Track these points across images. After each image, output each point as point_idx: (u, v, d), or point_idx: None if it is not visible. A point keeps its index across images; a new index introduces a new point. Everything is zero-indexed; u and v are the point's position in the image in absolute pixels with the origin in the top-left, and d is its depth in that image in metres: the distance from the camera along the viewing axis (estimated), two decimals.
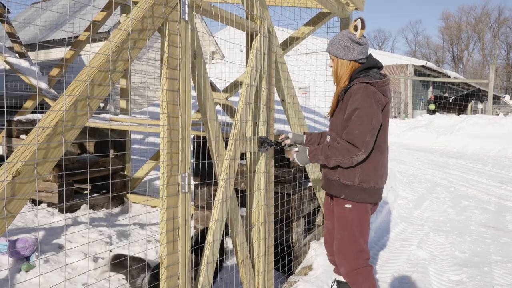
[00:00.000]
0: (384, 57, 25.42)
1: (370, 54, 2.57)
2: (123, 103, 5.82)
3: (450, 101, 23.19)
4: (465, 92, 25.50)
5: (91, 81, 1.68)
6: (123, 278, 3.06)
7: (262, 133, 2.92)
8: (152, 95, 11.47)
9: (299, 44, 4.78)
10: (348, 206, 2.50)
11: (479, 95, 25.44)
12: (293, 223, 3.65)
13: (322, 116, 10.36)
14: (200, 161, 3.82)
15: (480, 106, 24.38)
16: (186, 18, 2.17)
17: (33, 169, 1.48)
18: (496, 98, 28.83)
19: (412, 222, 5.40)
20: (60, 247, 3.42)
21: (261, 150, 2.87)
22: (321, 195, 4.10)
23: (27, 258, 3.09)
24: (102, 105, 10.30)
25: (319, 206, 4.22)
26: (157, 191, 5.44)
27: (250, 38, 2.92)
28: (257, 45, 2.84)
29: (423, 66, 25.15)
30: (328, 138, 2.62)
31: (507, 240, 4.73)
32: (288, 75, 3.31)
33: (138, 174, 5.65)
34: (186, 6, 2.16)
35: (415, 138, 14.42)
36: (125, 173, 5.62)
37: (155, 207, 5.30)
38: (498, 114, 19.37)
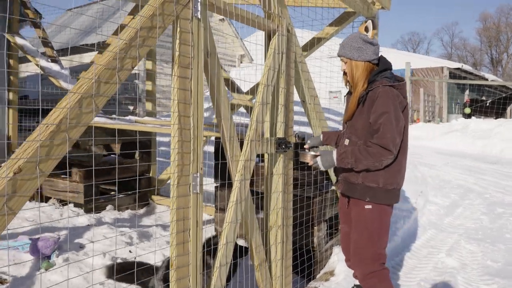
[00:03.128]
0: (418, 60, 24.89)
1: (381, 55, 2.54)
2: (149, 106, 5.87)
3: (487, 104, 22.37)
4: (503, 95, 24.57)
5: (97, 78, 1.67)
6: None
7: (279, 134, 2.86)
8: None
9: (328, 47, 4.70)
10: (368, 207, 2.43)
11: None
12: (314, 227, 3.56)
13: None
14: (220, 162, 3.78)
15: None
16: (199, 16, 2.14)
17: (35, 166, 1.47)
18: None
19: (442, 229, 5.19)
20: (81, 247, 3.45)
21: (279, 152, 2.81)
22: None
23: (48, 257, 3.13)
24: (131, 107, 10.47)
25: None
26: None
27: (268, 37, 2.87)
28: (275, 44, 2.78)
29: (458, 68, 24.43)
30: (347, 141, 2.53)
31: None
32: (308, 75, 3.23)
33: (163, 176, 5.68)
34: (199, 3, 2.13)
35: (449, 142, 13.96)
36: (150, 174, 5.66)
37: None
38: None
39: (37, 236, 3.24)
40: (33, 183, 1.48)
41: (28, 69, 11.80)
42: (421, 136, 15.19)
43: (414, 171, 6.93)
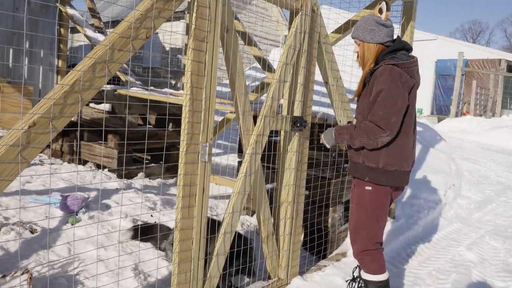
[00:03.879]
0: (474, 50, 23.77)
1: (398, 36, 2.54)
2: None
3: None
4: None
5: (111, 46, 1.79)
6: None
7: (296, 112, 2.91)
8: (221, 75, 11.74)
9: None
10: (368, 188, 2.46)
11: None
12: (330, 208, 3.61)
13: None
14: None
15: None
16: None
17: (49, 122, 1.62)
18: None
19: (469, 224, 5.09)
20: (107, 207, 3.68)
21: (293, 130, 2.87)
22: None
23: (76, 213, 3.37)
24: (173, 82, 10.73)
25: None
26: (212, 168, 5.63)
27: (291, 16, 2.90)
28: (297, 23, 2.81)
29: None
30: (354, 121, 2.56)
31: None
32: (332, 57, 3.24)
33: None
34: None
35: (497, 138, 13.39)
36: None
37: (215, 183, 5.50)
38: None
39: (67, 194, 3.49)
40: (46, 137, 1.63)
41: (80, 39, 12.30)
42: (468, 130, 14.67)
43: (450, 164, 6.76)
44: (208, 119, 2.26)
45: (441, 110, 23.54)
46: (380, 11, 2.46)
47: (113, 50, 1.81)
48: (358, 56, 2.58)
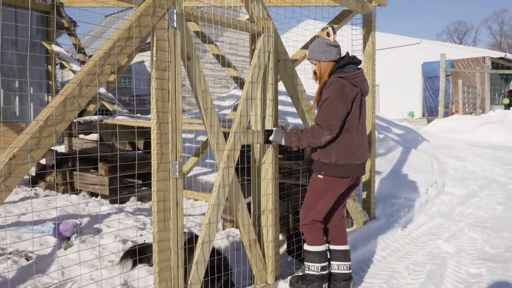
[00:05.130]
0: (457, 50, 24.21)
1: (347, 52, 3.03)
2: None
3: None
4: None
5: (79, 82, 2.04)
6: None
7: (268, 126, 3.13)
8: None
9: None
10: (320, 176, 2.98)
11: None
12: None
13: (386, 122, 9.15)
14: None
15: None
16: (175, 25, 2.47)
17: (27, 154, 1.86)
18: None
19: (450, 218, 5.29)
20: (98, 231, 3.89)
21: (267, 143, 3.10)
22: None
23: (68, 238, 3.58)
24: None
25: None
26: (202, 185, 5.84)
27: (253, 39, 3.15)
28: (260, 44, 3.04)
29: (502, 58, 23.58)
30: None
31: None
32: (294, 72, 3.50)
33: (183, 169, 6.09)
34: (175, 14, 2.47)
35: (485, 134, 13.63)
36: None
37: (197, 200, 5.71)
38: None
39: (59, 222, 3.70)
40: (25, 167, 1.87)
41: (70, 74, 12.63)
42: (456, 128, 14.93)
43: (433, 163, 6.99)
44: (176, 140, 2.50)
45: (432, 111, 23.87)
46: (328, 34, 2.98)
47: (81, 86, 2.06)
48: (315, 73, 3.05)
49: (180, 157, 2.53)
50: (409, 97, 25.11)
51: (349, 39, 4.66)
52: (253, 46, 3.15)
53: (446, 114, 18.88)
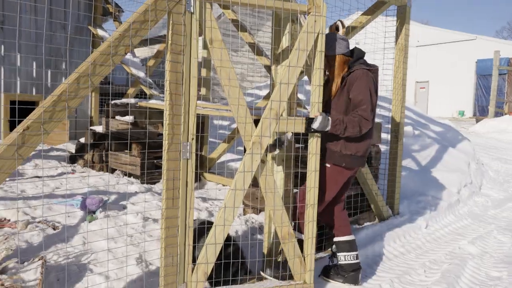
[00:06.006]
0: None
1: (355, 46, 3.06)
2: (203, 90, 6.43)
3: None
4: None
5: (93, 61, 2.16)
6: None
7: (313, 114, 2.86)
8: (248, 86, 12.14)
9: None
10: (328, 165, 3.01)
11: None
12: None
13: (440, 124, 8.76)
14: None
15: None
16: (192, 10, 2.54)
17: (40, 125, 1.99)
18: None
19: (481, 220, 5.11)
20: (124, 208, 4.08)
21: (308, 131, 2.86)
22: (368, 181, 4.15)
23: (93, 212, 3.78)
24: (200, 93, 11.23)
25: (363, 194, 4.29)
26: (230, 171, 5.94)
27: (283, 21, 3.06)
28: (308, 25, 2.80)
29: None
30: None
31: None
32: None
33: (213, 155, 6.22)
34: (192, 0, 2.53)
35: None
36: (203, 153, 6.22)
37: (226, 186, 5.82)
38: None
39: (86, 197, 3.91)
40: (38, 138, 2.01)
41: None
42: (507, 130, 14.27)
43: (470, 163, 6.75)
44: (188, 121, 2.58)
45: (483, 111, 22.83)
46: (337, 28, 3.00)
47: (95, 65, 2.17)
48: (326, 68, 3.02)
49: (192, 138, 2.61)
50: (460, 95, 24.12)
51: (381, 31, 4.58)
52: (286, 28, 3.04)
53: (499, 115, 18.04)
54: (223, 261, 2.92)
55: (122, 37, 2.26)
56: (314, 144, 2.87)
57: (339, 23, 3.01)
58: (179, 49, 2.50)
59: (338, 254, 3.20)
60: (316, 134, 2.86)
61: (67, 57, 7.65)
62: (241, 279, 2.96)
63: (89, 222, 3.64)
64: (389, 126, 4.75)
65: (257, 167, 2.77)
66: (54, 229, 3.48)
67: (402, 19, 4.44)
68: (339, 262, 3.19)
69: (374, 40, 4.67)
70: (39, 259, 2.74)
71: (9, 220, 3.47)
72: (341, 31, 3.01)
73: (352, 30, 4.66)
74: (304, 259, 2.95)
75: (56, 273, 2.81)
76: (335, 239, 3.23)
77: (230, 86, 2.68)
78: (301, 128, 2.84)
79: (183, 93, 2.54)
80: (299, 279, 2.94)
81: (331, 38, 2.99)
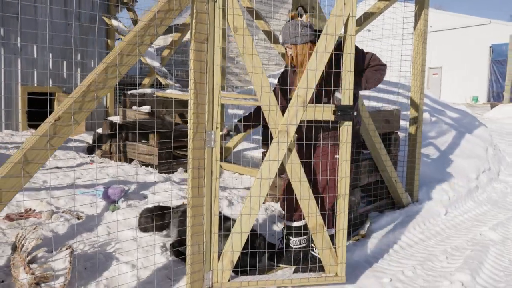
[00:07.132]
0: None
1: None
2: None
3: None
4: None
5: (120, 52, 2.16)
6: None
7: (345, 101, 2.76)
8: None
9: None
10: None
11: None
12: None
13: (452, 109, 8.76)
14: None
15: None
16: None
17: (71, 116, 2.01)
18: None
19: (501, 206, 5.08)
20: (144, 197, 4.12)
21: (340, 119, 2.77)
22: (388, 168, 4.12)
23: (115, 202, 3.82)
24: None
25: (382, 181, 4.28)
26: (246, 160, 5.96)
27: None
28: (336, 9, 2.68)
29: None
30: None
31: None
32: None
33: (229, 145, 6.23)
34: None
35: None
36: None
37: (242, 174, 5.83)
38: None
39: (108, 186, 3.95)
40: (69, 129, 2.03)
41: None
42: None
43: (488, 149, 6.68)
44: (212, 110, 2.59)
45: (498, 97, 22.49)
46: (300, 15, 2.90)
47: (122, 55, 2.18)
48: (292, 58, 2.92)
49: (217, 127, 2.62)
50: (474, 81, 23.78)
51: (400, 16, 4.52)
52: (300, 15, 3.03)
53: None
54: (249, 250, 2.92)
55: (148, 26, 2.27)
56: (345, 132, 2.80)
57: (300, 9, 2.97)
58: (203, 37, 2.50)
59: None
60: (346, 122, 2.77)
61: (85, 46, 7.68)
62: (268, 269, 2.98)
63: (112, 211, 3.68)
64: (408, 113, 4.72)
65: (283, 156, 2.72)
66: (78, 218, 3.53)
67: (421, 3, 4.37)
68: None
69: (392, 25, 4.61)
70: (66, 248, 2.78)
71: (34, 210, 3.52)
72: (304, 18, 2.97)
73: (370, 16, 4.61)
74: (336, 251, 2.88)
75: (83, 262, 2.86)
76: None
77: (253, 73, 2.68)
78: (329, 116, 2.76)
79: (207, 82, 2.55)
80: (329, 271, 2.88)
81: (295, 27, 2.84)
